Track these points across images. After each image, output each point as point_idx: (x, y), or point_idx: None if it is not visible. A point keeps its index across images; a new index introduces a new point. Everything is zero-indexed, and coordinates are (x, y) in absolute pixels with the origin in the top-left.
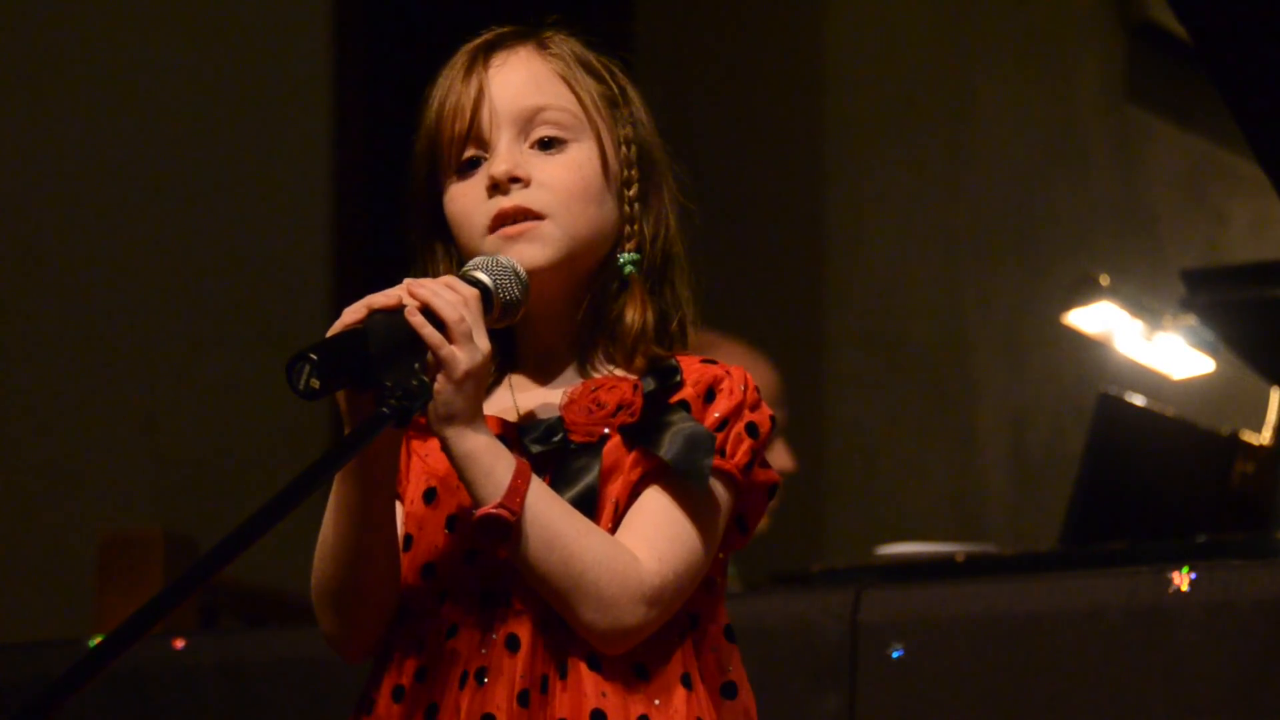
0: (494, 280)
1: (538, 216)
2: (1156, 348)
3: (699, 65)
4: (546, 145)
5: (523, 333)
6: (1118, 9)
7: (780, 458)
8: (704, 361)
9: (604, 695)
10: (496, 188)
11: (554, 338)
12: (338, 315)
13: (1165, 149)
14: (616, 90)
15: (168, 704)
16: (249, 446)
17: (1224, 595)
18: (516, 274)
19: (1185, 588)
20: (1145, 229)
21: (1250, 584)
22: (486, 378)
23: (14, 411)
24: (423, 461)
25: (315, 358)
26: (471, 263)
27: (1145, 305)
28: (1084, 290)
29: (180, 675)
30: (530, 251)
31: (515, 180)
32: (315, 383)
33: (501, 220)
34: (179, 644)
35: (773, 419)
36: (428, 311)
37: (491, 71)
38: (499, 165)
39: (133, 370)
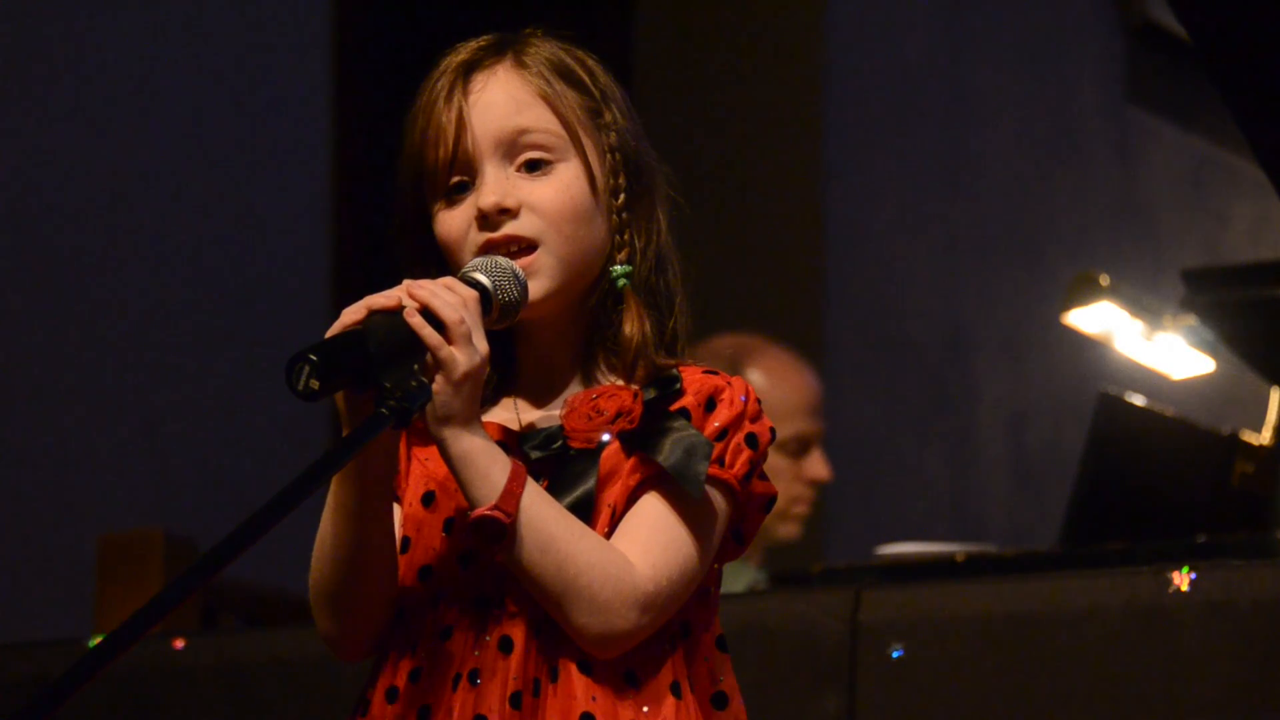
0: (493, 282)
1: (530, 243)
2: (1156, 348)
3: (699, 65)
4: (533, 167)
5: (523, 351)
6: (1118, 9)
7: (817, 466)
8: (705, 371)
9: (594, 700)
10: (485, 219)
11: (555, 354)
12: (337, 315)
13: (1165, 149)
14: (598, 96)
15: (168, 704)
16: (249, 446)
17: (1224, 595)
18: (515, 275)
19: (1185, 588)
20: (1145, 229)
21: (1250, 584)
22: (484, 379)
23: (14, 411)
24: (422, 466)
25: (314, 358)
26: (471, 264)
27: (1145, 305)
28: (1084, 290)
29: (180, 675)
30: (530, 286)
31: (504, 211)
32: (314, 383)
33: (491, 247)
34: (179, 644)
35: (772, 431)
36: (427, 313)
37: (472, 96)
38: (486, 198)
39: (133, 370)
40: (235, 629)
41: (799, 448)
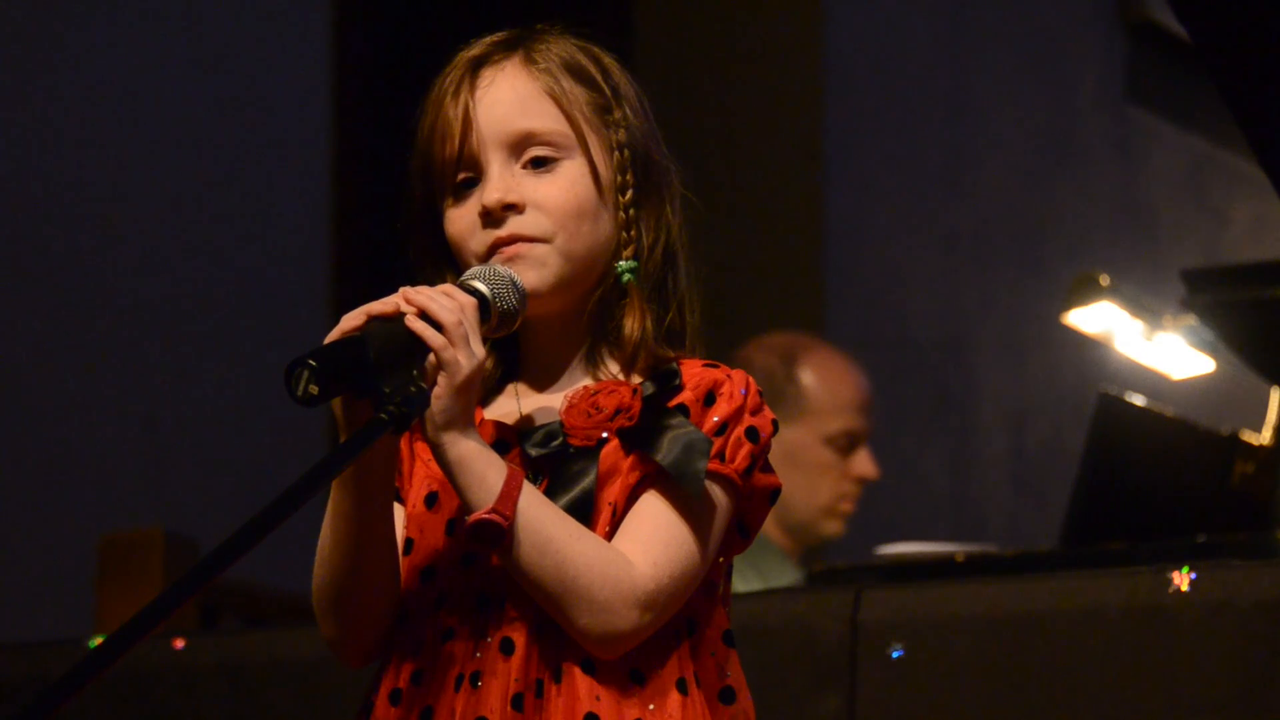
0: (491, 290)
1: (535, 241)
2: (1156, 348)
3: (699, 65)
4: (538, 164)
5: (527, 341)
6: (1118, 9)
7: (865, 464)
8: (706, 365)
9: (598, 700)
10: (489, 216)
11: (558, 346)
12: (338, 316)
13: (1165, 149)
14: (609, 93)
15: (168, 704)
16: (249, 446)
17: (1224, 595)
18: (514, 284)
19: (1185, 588)
20: (1145, 229)
21: (1250, 584)
22: (480, 385)
23: (13, 411)
24: (425, 466)
25: (314, 364)
26: (469, 272)
27: (1145, 305)
28: (1084, 290)
29: (180, 675)
30: (529, 276)
31: (509, 207)
32: (314, 389)
33: (497, 247)
34: (179, 644)
35: (775, 423)
36: (425, 317)
37: (479, 93)
38: (491, 194)
39: (133, 370)
40: (235, 629)
41: (848, 444)
